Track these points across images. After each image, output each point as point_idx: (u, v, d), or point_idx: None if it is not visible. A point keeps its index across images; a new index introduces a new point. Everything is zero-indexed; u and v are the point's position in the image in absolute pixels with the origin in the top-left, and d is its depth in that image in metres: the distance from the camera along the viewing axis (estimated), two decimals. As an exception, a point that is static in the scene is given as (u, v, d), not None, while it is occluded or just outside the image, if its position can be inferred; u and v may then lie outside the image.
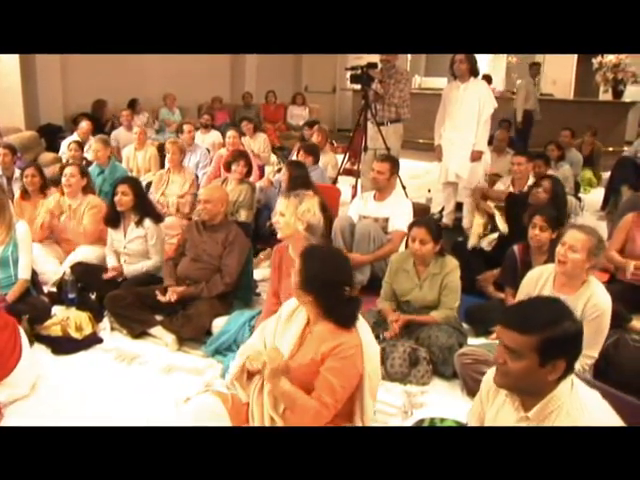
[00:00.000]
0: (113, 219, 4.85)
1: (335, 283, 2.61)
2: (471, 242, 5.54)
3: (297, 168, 5.70)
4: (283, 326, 2.77)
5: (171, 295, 4.31)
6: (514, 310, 2.09)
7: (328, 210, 5.39)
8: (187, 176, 6.59)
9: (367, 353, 2.58)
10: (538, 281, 3.58)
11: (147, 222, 4.76)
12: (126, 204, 4.72)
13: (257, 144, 8.81)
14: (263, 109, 12.07)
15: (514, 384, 2.02)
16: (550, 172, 6.70)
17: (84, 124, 8.22)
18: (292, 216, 3.73)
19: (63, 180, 5.20)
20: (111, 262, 4.91)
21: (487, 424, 2.24)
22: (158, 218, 4.93)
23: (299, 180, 5.44)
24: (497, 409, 2.18)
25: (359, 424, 2.66)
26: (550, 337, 1.90)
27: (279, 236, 3.85)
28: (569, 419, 1.94)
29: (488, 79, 12.30)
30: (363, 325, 2.67)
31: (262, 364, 2.56)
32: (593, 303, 3.32)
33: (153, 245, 4.80)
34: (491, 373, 2.26)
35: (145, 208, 4.84)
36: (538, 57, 14.03)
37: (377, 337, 3.88)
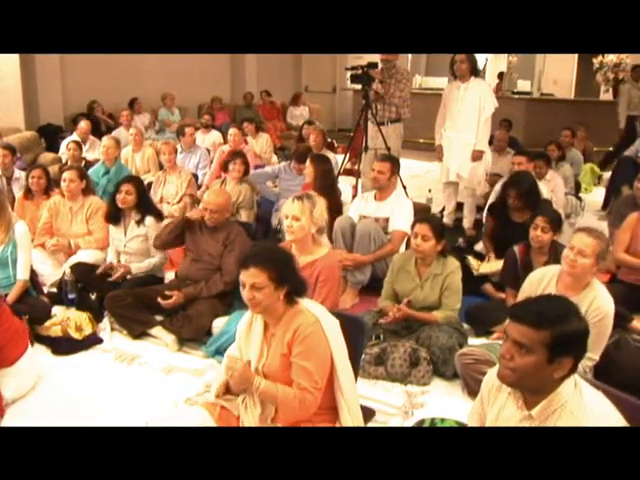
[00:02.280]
0: (114, 216, 4.86)
1: (293, 261, 2.74)
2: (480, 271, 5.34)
3: (322, 162, 5.58)
4: (244, 341, 2.79)
5: (175, 299, 4.30)
6: (525, 305, 2.09)
7: (342, 211, 5.39)
8: (183, 176, 6.59)
9: (326, 327, 2.60)
10: (540, 283, 3.56)
11: (148, 220, 4.78)
12: (129, 203, 4.74)
13: (259, 145, 8.80)
14: (260, 109, 12.08)
15: (519, 380, 2.01)
16: (551, 172, 6.70)
17: (83, 124, 8.22)
18: (308, 220, 3.69)
19: (63, 185, 5.20)
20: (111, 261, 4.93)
21: (488, 424, 2.23)
22: (159, 216, 4.95)
23: (328, 175, 5.41)
24: (499, 408, 2.18)
25: (345, 412, 2.64)
26: (561, 333, 1.92)
27: (289, 239, 3.77)
28: (573, 418, 1.94)
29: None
30: (313, 304, 2.72)
31: (228, 377, 2.62)
32: (596, 306, 3.30)
33: None
34: (492, 373, 2.25)
35: (147, 206, 4.87)
36: (539, 57, 14.03)
37: (377, 337, 3.91)
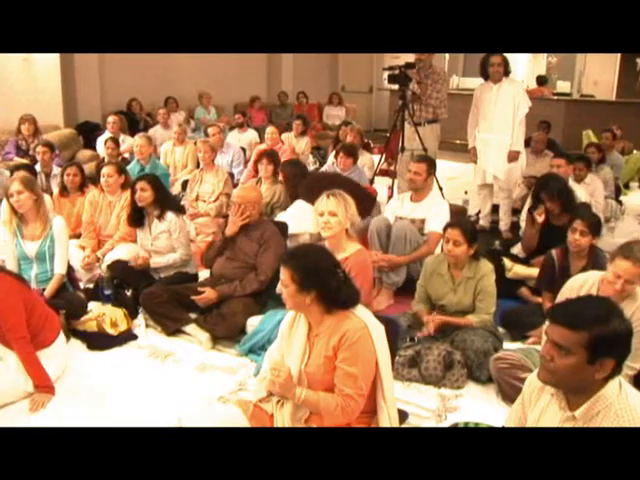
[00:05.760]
0: (136, 219, 4.88)
1: (330, 267, 2.65)
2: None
3: (292, 167, 5.79)
4: (287, 341, 2.78)
5: (208, 295, 4.33)
6: (563, 307, 2.07)
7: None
8: (220, 175, 6.62)
9: (374, 334, 2.61)
10: (581, 289, 3.47)
11: (169, 215, 4.79)
12: (146, 200, 4.74)
13: (299, 146, 8.85)
14: (296, 109, 12.11)
15: (560, 381, 2.00)
16: (590, 175, 6.59)
17: (111, 118, 8.32)
18: (344, 215, 3.74)
19: (102, 180, 5.29)
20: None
21: (528, 426, 2.20)
22: (179, 210, 4.95)
23: (297, 178, 5.60)
24: (541, 410, 2.16)
25: (385, 416, 2.66)
26: (600, 334, 1.89)
27: (326, 235, 3.80)
28: (617, 420, 1.91)
29: (544, 80, 12.25)
30: (361, 309, 2.69)
31: (270, 384, 2.60)
32: (638, 316, 3.22)
33: (177, 238, 4.81)
34: (534, 375, 2.24)
35: (165, 201, 4.86)
36: (579, 57, 13.82)
37: (412, 339, 3.88)
